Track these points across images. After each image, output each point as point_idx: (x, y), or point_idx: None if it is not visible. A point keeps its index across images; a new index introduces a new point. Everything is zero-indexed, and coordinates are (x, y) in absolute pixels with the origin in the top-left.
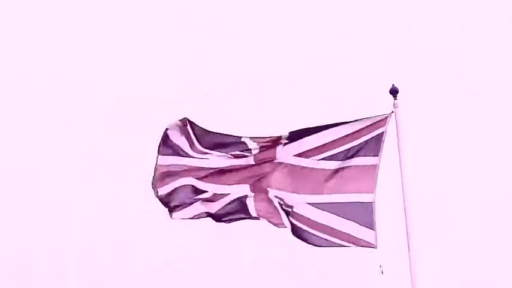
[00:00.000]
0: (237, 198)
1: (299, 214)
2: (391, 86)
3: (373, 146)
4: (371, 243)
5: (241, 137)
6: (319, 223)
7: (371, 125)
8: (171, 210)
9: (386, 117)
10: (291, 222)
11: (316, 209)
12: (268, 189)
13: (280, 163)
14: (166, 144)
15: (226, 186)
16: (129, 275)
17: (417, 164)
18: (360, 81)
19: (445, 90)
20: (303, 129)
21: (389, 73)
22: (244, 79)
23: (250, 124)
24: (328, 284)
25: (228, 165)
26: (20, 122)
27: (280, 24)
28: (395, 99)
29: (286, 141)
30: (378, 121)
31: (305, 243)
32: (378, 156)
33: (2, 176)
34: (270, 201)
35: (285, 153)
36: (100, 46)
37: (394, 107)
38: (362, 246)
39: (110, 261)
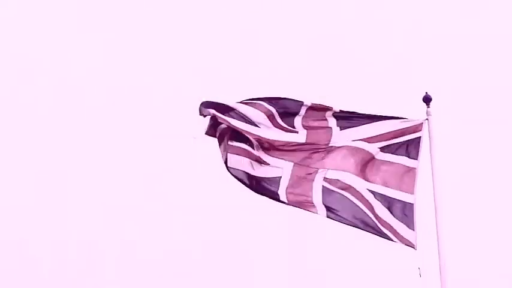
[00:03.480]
0: (273, 177)
1: (361, 194)
2: (425, 93)
3: (412, 149)
4: (412, 243)
5: (294, 99)
6: (374, 210)
7: (409, 127)
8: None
9: (422, 123)
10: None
11: (373, 196)
12: (318, 169)
13: (336, 147)
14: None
15: (269, 156)
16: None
17: (448, 170)
18: (394, 88)
19: (477, 99)
20: (352, 112)
21: (423, 81)
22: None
23: None
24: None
25: (277, 138)
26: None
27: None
28: (429, 107)
29: (337, 114)
30: (415, 125)
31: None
32: (417, 159)
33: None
34: (309, 178)
35: (342, 138)
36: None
37: (427, 115)
38: (405, 244)
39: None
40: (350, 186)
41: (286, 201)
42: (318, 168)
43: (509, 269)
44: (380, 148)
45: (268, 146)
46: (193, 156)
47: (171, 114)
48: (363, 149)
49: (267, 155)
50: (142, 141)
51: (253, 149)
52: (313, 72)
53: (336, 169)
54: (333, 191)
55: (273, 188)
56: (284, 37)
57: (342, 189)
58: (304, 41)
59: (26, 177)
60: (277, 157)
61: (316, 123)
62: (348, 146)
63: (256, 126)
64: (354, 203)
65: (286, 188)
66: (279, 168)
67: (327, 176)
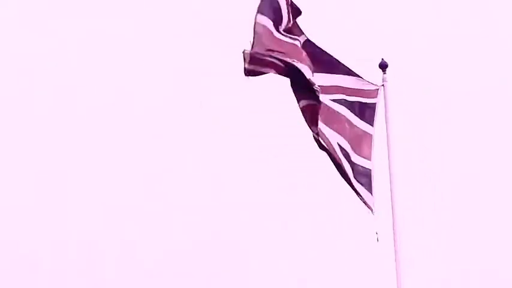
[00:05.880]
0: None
1: (332, 147)
2: (381, 60)
3: (369, 114)
4: (371, 207)
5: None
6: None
7: (366, 90)
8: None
9: (377, 89)
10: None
11: (341, 153)
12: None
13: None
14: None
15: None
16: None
17: (403, 137)
18: (349, 54)
19: (433, 67)
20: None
21: (379, 47)
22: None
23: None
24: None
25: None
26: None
27: None
28: (385, 73)
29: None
30: (371, 90)
31: None
32: (373, 126)
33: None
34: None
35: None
36: None
37: (384, 81)
38: (365, 205)
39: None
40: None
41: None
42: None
43: (460, 233)
44: (337, 100)
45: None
46: (193, 156)
47: (171, 114)
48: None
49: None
50: (142, 142)
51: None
52: None
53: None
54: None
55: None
56: None
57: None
58: None
59: (26, 177)
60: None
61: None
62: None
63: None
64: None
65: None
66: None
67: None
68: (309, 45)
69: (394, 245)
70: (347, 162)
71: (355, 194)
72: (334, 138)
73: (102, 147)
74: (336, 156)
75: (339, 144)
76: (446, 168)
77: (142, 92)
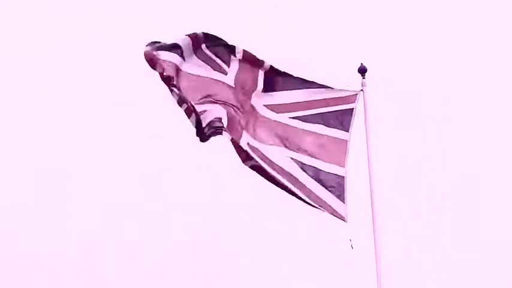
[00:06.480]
0: (216, 118)
1: (279, 167)
2: (360, 64)
3: (344, 120)
4: (342, 216)
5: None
6: (300, 181)
7: (341, 97)
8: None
9: (356, 94)
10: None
11: (297, 166)
12: (242, 131)
13: (254, 109)
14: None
15: (207, 104)
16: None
17: (384, 142)
18: (329, 59)
19: (414, 71)
20: (281, 72)
21: (359, 52)
22: None
23: None
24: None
25: (207, 75)
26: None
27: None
28: (364, 78)
29: (265, 70)
30: (348, 96)
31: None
32: (348, 132)
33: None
34: (237, 140)
35: (258, 100)
36: None
37: (363, 86)
38: (334, 216)
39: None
40: (269, 159)
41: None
42: (242, 130)
43: (441, 239)
44: (296, 117)
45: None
46: (193, 156)
47: (172, 113)
48: (273, 120)
49: (205, 104)
50: (142, 141)
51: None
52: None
53: (253, 137)
54: (253, 158)
55: (218, 124)
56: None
57: (263, 160)
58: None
59: (26, 177)
60: (212, 101)
61: (247, 73)
62: (259, 113)
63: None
64: (273, 176)
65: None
66: (218, 111)
67: (249, 142)
68: (270, 70)
69: (375, 252)
70: (306, 175)
71: (312, 206)
72: (283, 153)
73: (103, 147)
74: (274, 170)
75: (292, 158)
76: (426, 172)
77: (142, 91)
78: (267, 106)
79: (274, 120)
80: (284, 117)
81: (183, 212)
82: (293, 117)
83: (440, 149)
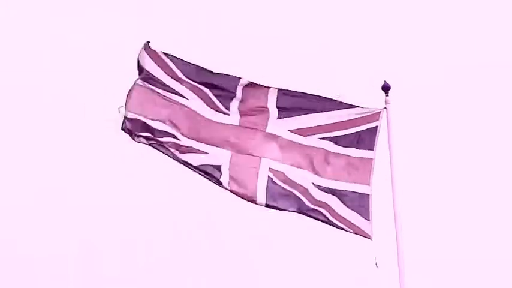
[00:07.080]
0: (214, 165)
1: (304, 189)
2: (383, 82)
3: (368, 139)
4: (367, 234)
5: (230, 75)
6: (322, 202)
7: (365, 116)
8: (133, 133)
9: (380, 112)
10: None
11: (320, 190)
12: (261, 158)
13: (275, 135)
14: (141, 70)
15: (205, 144)
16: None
17: (407, 160)
18: (352, 76)
19: (437, 88)
20: (294, 92)
21: (382, 70)
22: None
23: None
24: (323, 272)
25: (208, 117)
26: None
27: (277, 16)
28: (387, 95)
29: (275, 95)
30: (372, 114)
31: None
32: (373, 150)
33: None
34: (253, 170)
35: (279, 127)
36: None
37: (386, 103)
38: (359, 235)
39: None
40: (293, 181)
41: (229, 188)
42: (260, 157)
43: (466, 259)
44: (323, 138)
45: (197, 129)
46: None
47: None
48: (300, 143)
49: (198, 142)
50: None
51: (177, 138)
52: (269, 58)
53: (278, 161)
54: (277, 184)
55: (215, 175)
56: (242, 17)
57: (286, 183)
58: (262, 27)
59: (26, 177)
60: (212, 144)
61: (253, 104)
62: (284, 138)
63: (185, 97)
64: (299, 198)
65: (230, 177)
66: (217, 156)
67: (271, 167)
68: (280, 94)
69: (399, 269)
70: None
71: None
72: (308, 178)
73: (103, 148)
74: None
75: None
76: (450, 190)
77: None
78: (291, 131)
79: (301, 144)
80: (313, 140)
81: (184, 212)
82: (322, 138)
83: (465, 166)
